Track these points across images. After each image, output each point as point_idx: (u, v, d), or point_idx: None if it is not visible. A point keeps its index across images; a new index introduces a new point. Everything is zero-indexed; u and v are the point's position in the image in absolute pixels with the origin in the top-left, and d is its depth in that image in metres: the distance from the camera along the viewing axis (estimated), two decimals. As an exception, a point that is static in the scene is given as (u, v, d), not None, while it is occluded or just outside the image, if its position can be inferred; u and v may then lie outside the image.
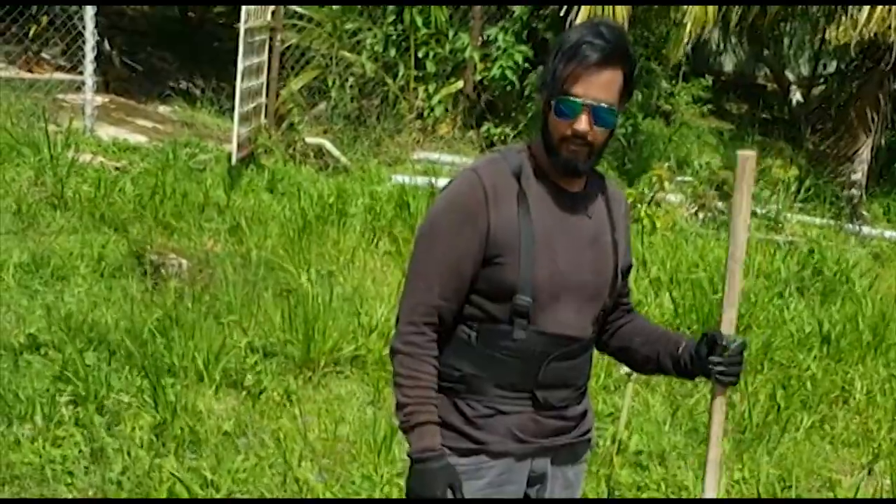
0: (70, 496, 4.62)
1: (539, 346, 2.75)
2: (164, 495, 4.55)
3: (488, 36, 12.35)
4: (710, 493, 2.88)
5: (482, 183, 2.71)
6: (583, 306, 2.81)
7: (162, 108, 12.66)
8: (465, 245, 2.69)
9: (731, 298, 2.81)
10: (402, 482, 4.90)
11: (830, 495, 5.40)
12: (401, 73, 12.23)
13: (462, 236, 2.69)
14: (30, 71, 12.02)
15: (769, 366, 7.11)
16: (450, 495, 2.67)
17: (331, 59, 11.80)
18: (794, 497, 5.23)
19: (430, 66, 12.26)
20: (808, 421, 6.31)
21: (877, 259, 11.38)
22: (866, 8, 12.03)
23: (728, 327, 2.80)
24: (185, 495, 4.51)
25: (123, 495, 4.62)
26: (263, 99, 11.06)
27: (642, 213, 10.08)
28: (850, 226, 12.40)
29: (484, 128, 12.39)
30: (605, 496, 4.94)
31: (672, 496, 5.10)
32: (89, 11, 10.28)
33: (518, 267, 2.68)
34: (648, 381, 6.70)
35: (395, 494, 4.85)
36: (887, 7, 11.95)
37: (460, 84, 12.42)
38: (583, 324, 2.82)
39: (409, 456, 2.73)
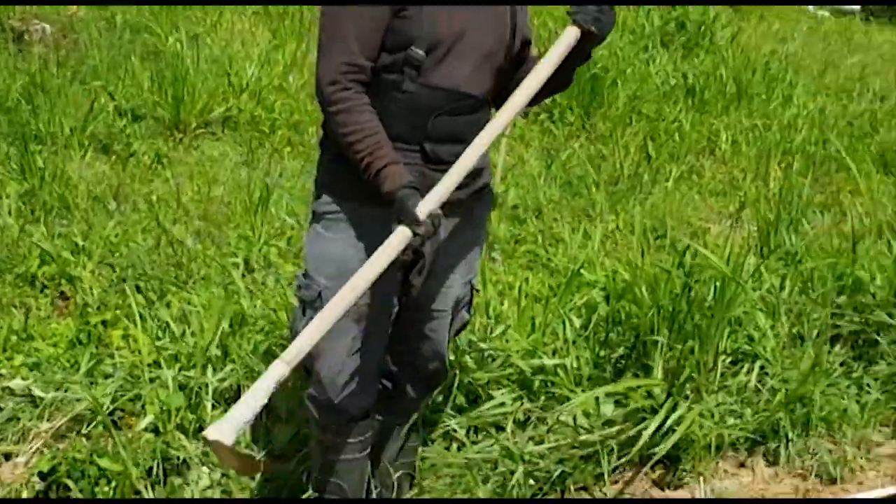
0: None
1: (427, 99, 2.74)
2: (34, 262, 4.48)
3: None
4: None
5: None
6: (479, 65, 2.79)
7: None
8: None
9: None
10: (281, 244, 4.93)
11: (700, 243, 5.54)
12: None
13: None
14: None
15: (637, 118, 7.21)
16: (417, 211, 2.54)
17: None
18: (667, 244, 5.34)
19: None
20: (677, 171, 6.45)
21: (737, 12, 11.57)
22: None
23: None
24: (54, 264, 4.45)
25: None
26: None
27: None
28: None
29: None
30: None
31: (549, 248, 5.18)
32: None
33: (421, 20, 2.65)
34: (523, 136, 6.76)
35: (272, 255, 4.83)
36: None
37: None
38: (478, 81, 2.81)
39: (386, 200, 2.62)
